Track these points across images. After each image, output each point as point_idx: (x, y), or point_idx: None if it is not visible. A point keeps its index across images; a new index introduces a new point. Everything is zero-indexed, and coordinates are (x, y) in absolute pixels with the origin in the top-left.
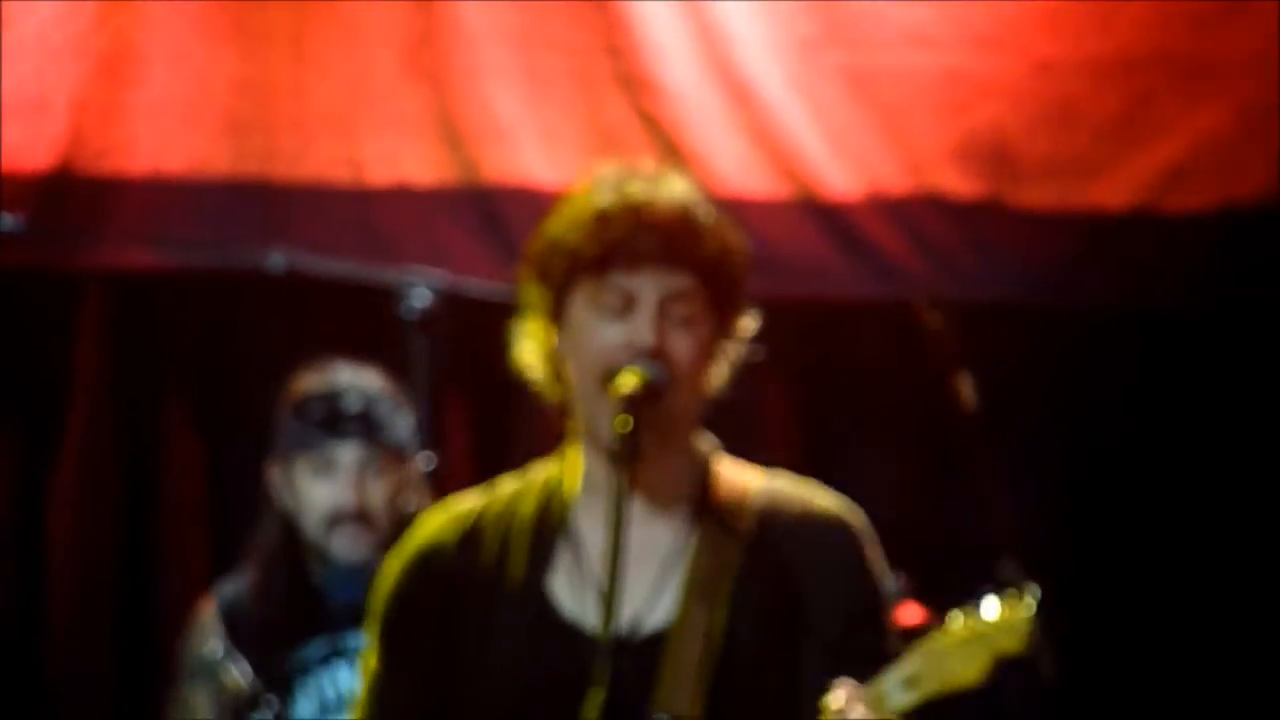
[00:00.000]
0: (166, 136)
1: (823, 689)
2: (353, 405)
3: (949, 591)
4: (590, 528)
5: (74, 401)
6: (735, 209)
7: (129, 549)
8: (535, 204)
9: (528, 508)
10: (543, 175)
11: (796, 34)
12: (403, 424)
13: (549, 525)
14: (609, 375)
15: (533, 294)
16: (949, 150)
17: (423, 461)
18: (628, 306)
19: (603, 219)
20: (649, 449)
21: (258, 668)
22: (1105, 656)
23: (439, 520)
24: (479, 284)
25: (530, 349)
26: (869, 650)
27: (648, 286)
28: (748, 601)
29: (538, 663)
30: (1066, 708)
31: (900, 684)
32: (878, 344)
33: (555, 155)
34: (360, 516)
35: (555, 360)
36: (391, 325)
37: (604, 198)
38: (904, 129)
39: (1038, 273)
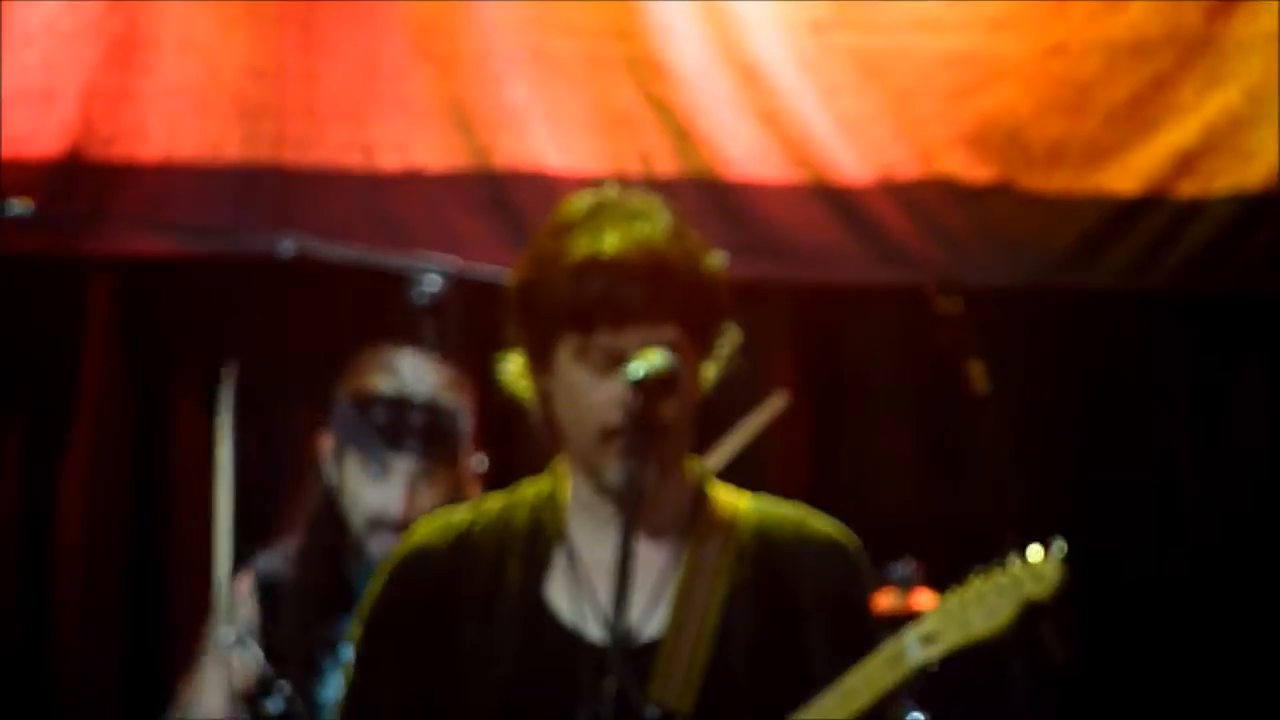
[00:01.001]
0: (177, 122)
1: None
2: (417, 419)
3: (960, 577)
4: (584, 539)
5: (83, 387)
6: (746, 193)
7: (139, 535)
8: (546, 189)
9: (520, 518)
10: (553, 160)
11: (807, 17)
12: (462, 425)
13: (544, 535)
14: (605, 432)
15: (517, 334)
16: (960, 134)
17: (477, 463)
18: (616, 363)
19: (581, 275)
20: (650, 485)
21: (293, 640)
22: (1116, 640)
23: (429, 528)
24: (490, 269)
25: (516, 374)
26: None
27: (634, 343)
28: (741, 607)
29: (537, 668)
30: (1075, 690)
31: (919, 640)
32: (888, 329)
33: (566, 140)
34: (405, 525)
35: (543, 397)
36: (402, 311)
37: (580, 247)
38: (915, 113)
39: (1049, 257)
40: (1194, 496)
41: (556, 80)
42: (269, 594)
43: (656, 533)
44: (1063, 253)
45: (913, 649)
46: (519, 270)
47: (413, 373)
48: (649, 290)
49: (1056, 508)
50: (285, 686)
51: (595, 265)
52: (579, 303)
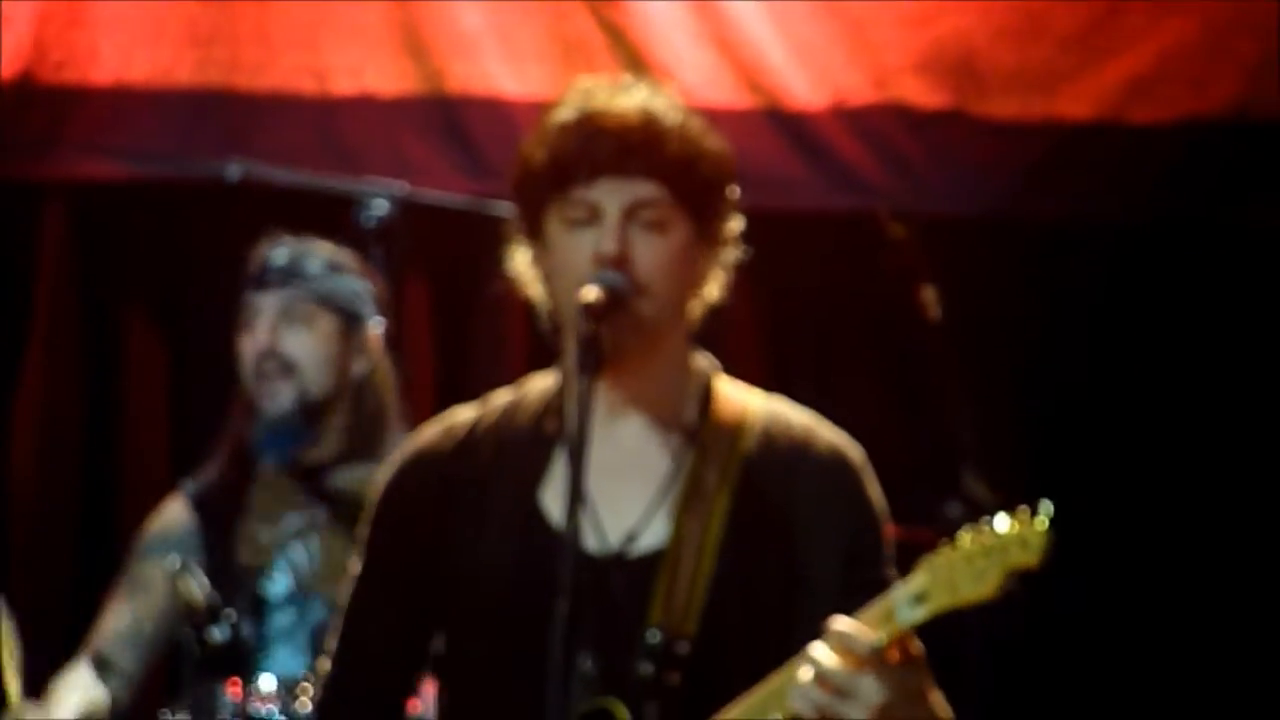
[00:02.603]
0: (129, 47)
1: (817, 619)
2: (279, 258)
3: (914, 505)
4: (571, 432)
5: (36, 308)
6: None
7: (91, 453)
8: (499, 115)
9: (523, 418)
10: (506, 86)
11: None
12: (344, 284)
13: (546, 437)
14: (580, 288)
15: (516, 214)
16: (913, 60)
17: (375, 326)
18: (593, 218)
19: (559, 133)
20: (626, 357)
21: (230, 548)
22: (1069, 573)
23: (434, 431)
24: (441, 194)
25: (523, 268)
26: (865, 585)
27: (609, 196)
28: (743, 522)
29: (525, 572)
30: (1035, 622)
31: (909, 599)
32: (841, 255)
33: (519, 66)
34: (281, 366)
35: (543, 278)
36: (350, 234)
37: (563, 113)
38: (869, 39)
39: (1001, 183)
40: (1147, 422)
41: (510, 6)
42: (202, 507)
43: (659, 428)
44: (1016, 179)
45: (902, 608)
46: (518, 147)
47: (290, 240)
48: (624, 145)
49: (1008, 435)
50: (231, 614)
51: (574, 123)
52: (556, 159)
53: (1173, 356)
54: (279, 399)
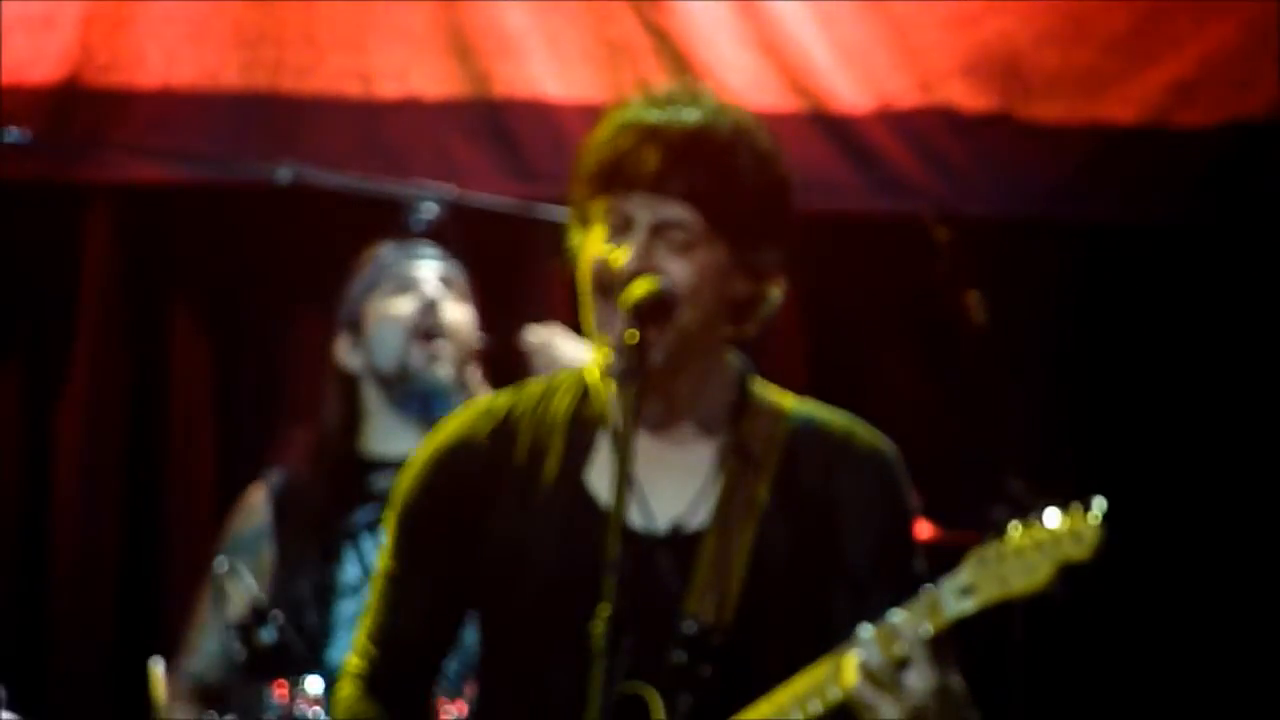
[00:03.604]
0: (175, 49)
1: (851, 614)
2: (430, 245)
3: (958, 508)
4: (618, 430)
5: (82, 312)
6: None
7: (136, 457)
8: (544, 117)
9: (562, 404)
10: (552, 89)
11: None
12: (467, 284)
13: (588, 419)
14: (598, 288)
15: (574, 205)
16: (959, 64)
17: (478, 340)
18: (626, 227)
19: (611, 138)
20: (661, 362)
21: (308, 532)
22: (1114, 575)
23: (467, 415)
24: (487, 197)
25: (572, 260)
26: (900, 579)
27: (640, 211)
28: (777, 519)
29: (578, 552)
30: (1076, 626)
31: (956, 591)
32: (886, 258)
33: (564, 69)
34: (444, 329)
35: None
36: (399, 238)
37: (623, 116)
38: (914, 42)
39: (1046, 187)
40: (1194, 425)
41: (556, 8)
42: (281, 500)
43: (696, 427)
44: (1061, 182)
45: (949, 600)
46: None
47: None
48: (664, 162)
49: (1053, 438)
50: (279, 616)
51: (627, 130)
52: (601, 164)
53: (1220, 359)
54: (443, 363)
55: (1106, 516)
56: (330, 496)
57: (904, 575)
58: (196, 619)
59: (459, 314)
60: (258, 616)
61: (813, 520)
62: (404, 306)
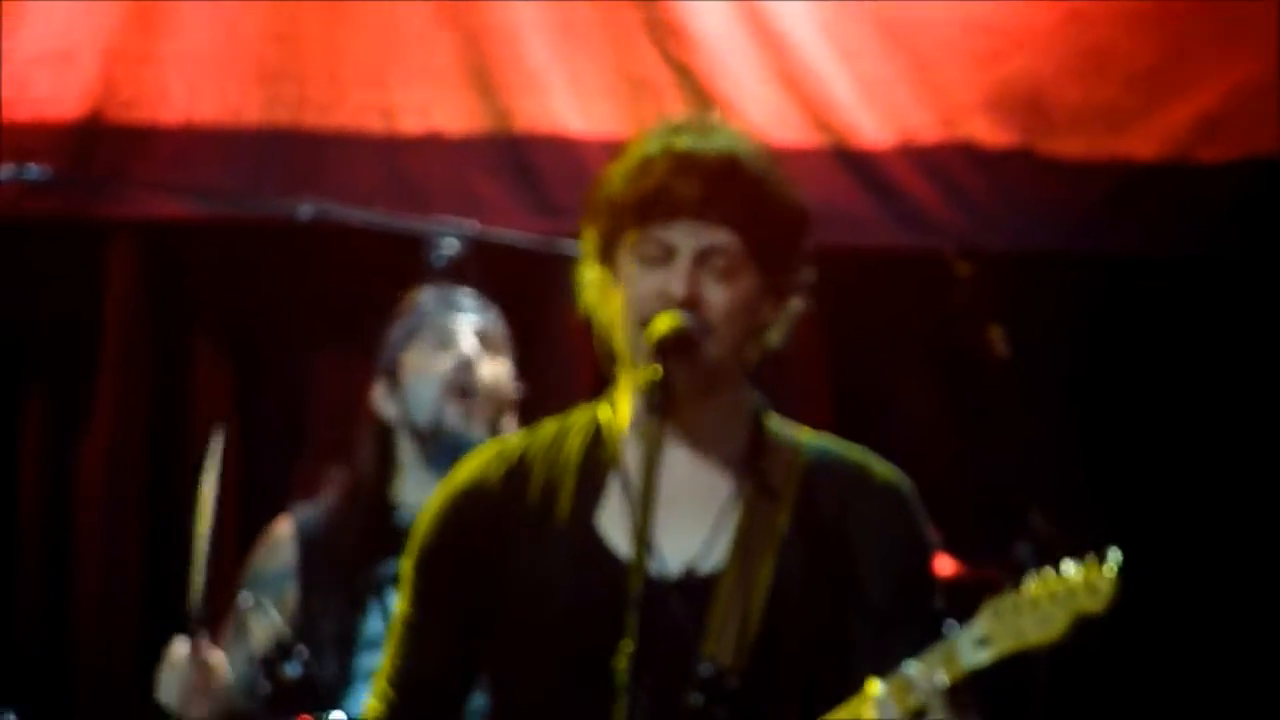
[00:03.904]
0: (198, 86)
1: (870, 651)
2: (468, 291)
3: (980, 543)
4: (639, 466)
5: (105, 348)
6: None
7: (158, 491)
8: (566, 153)
9: (574, 445)
10: (574, 124)
11: None
12: (505, 331)
13: (599, 462)
14: (643, 322)
15: (587, 241)
16: (981, 99)
17: (516, 390)
18: (666, 257)
19: (644, 169)
20: (685, 396)
21: (335, 579)
22: (1137, 608)
23: (481, 459)
24: (509, 233)
25: (587, 294)
26: (919, 615)
27: (684, 238)
28: (795, 555)
29: (588, 597)
30: (1097, 659)
31: (973, 642)
32: (908, 293)
33: (586, 104)
34: (478, 389)
35: (605, 306)
36: (421, 275)
37: (650, 147)
38: (936, 77)
39: (1069, 222)
40: (1216, 460)
41: (577, 43)
42: (310, 540)
43: (714, 462)
44: (1083, 217)
45: (965, 651)
46: (599, 176)
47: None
48: (706, 190)
49: (1076, 473)
50: (304, 651)
51: (660, 160)
52: (638, 194)
53: (1242, 392)
54: (478, 421)
55: (1126, 559)
56: (361, 544)
57: (922, 612)
58: (222, 645)
59: (495, 370)
60: (283, 651)
61: (830, 556)
62: (441, 363)
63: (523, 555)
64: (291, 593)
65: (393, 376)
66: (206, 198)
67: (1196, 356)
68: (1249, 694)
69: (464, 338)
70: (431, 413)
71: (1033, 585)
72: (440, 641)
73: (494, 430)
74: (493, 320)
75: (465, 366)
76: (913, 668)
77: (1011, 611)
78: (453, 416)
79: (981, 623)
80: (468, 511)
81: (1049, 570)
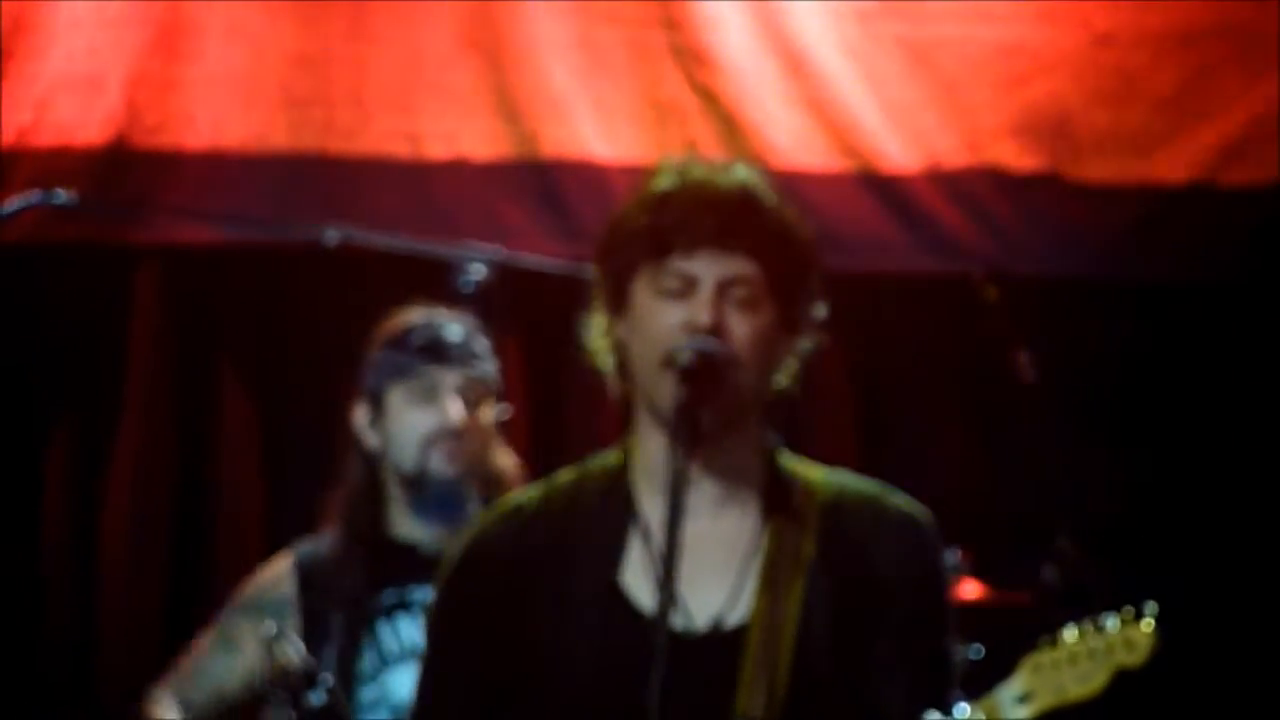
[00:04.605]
0: (223, 111)
1: (894, 687)
2: (454, 334)
3: (1007, 567)
4: (659, 517)
5: (131, 373)
6: (792, 182)
7: (184, 518)
8: (592, 178)
9: (591, 499)
10: (600, 150)
11: (854, 7)
12: (493, 364)
13: (617, 516)
14: (668, 357)
15: (598, 280)
16: (1007, 124)
17: (499, 412)
18: (687, 289)
19: (662, 202)
20: (710, 429)
21: (330, 623)
22: (1166, 630)
23: (499, 514)
24: (535, 258)
25: (596, 336)
26: (933, 653)
27: (706, 269)
28: (820, 600)
29: (614, 657)
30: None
31: (1014, 699)
32: (935, 318)
33: (612, 129)
34: (461, 433)
35: (619, 347)
36: (448, 300)
37: (665, 181)
38: (962, 102)
39: (1095, 246)
40: (1243, 483)
41: (603, 69)
42: (307, 573)
43: (736, 504)
44: (1110, 242)
45: (1007, 707)
46: (609, 215)
47: (441, 311)
48: (726, 219)
49: (1103, 497)
50: (328, 679)
51: (677, 193)
52: (656, 228)
53: (1270, 417)
54: (455, 463)
55: (1154, 584)
56: (357, 577)
57: (932, 652)
58: (199, 649)
59: (481, 420)
60: (307, 680)
61: (854, 597)
62: (423, 418)
63: (543, 619)
64: (294, 624)
65: (377, 406)
66: (232, 223)
67: (1224, 381)
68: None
69: (448, 399)
70: (415, 460)
71: (1071, 640)
72: (460, 696)
73: (484, 464)
74: (479, 367)
75: (448, 430)
76: None
77: (1050, 667)
78: (438, 463)
79: (1022, 678)
80: (484, 572)
81: (1087, 624)
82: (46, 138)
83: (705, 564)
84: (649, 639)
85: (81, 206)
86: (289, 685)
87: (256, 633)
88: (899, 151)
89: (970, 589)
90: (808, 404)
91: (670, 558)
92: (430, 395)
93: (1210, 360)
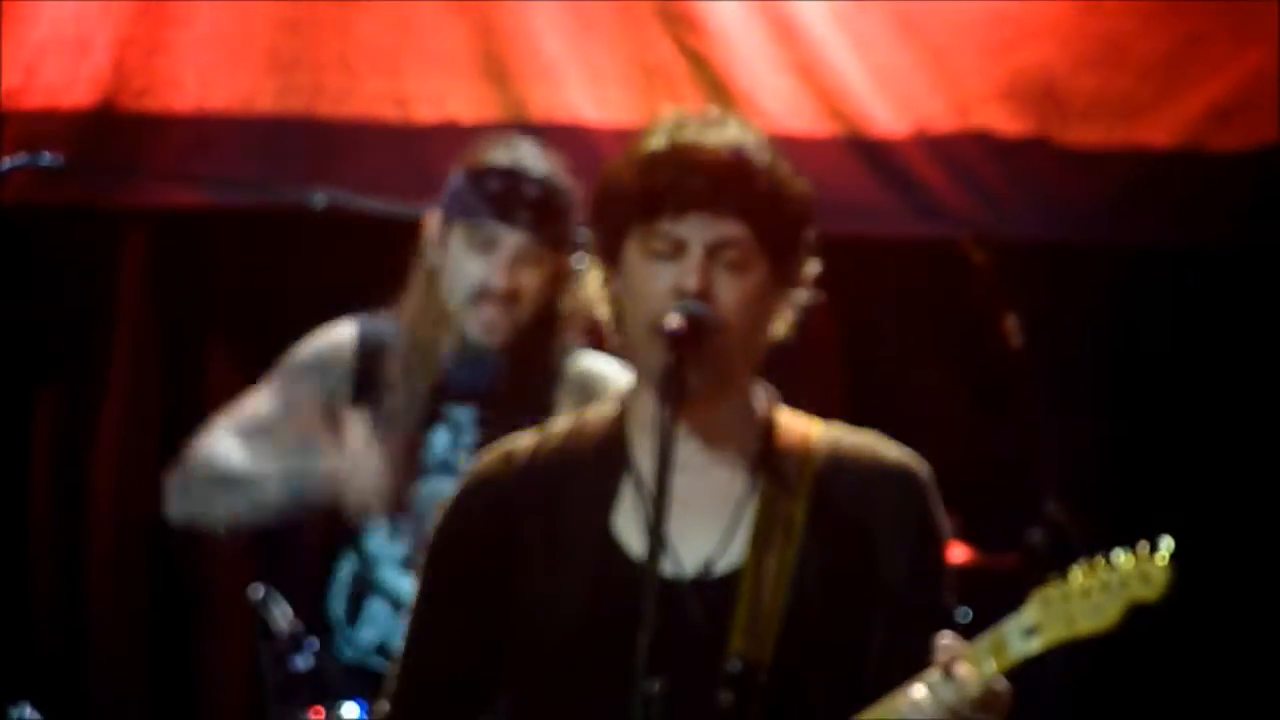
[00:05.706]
0: (210, 74)
1: (888, 638)
2: (530, 191)
3: (995, 531)
4: (652, 467)
5: (117, 336)
6: (781, 146)
7: None
8: (581, 141)
9: (586, 446)
10: (588, 113)
11: None
12: (572, 218)
13: (612, 464)
14: (654, 317)
15: (592, 238)
16: (996, 88)
17: (578, 261)
18: (676, 251)
19: (651, 164)
20: (700, 390)
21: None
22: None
23: (494, 459)
24: None
25: (594, 292)
26: (930, 604)
27: (695, 232)
28: (814, 548)
29: (605, 601)
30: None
31: (1021, 632)
32: (923, 282)
33: (601, 93)
34: (507, 298)
35: (613, 304)
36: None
37: (655, 142)
38: (951, 66)
39: (1084, 210)
40: (1231, 448)
41: (592, 33)
42: (368, 350)
43: (727, 460)
44: (1098, 206)
45: (1015, 640)
46: (601, 173)
47: (530, 151)
48: (715, 182)
49: (1091, 460)
50: (314, 643)
51: (666, 154)
52: (646, 189)
53: (1258, 381)
54: (495, 332)
55: (1141, 548)
56: (415, 399)
57: (933, 602)
58: (260, 403)
59: (531, 281)
60: (294, 643)
61: (849, 547)
62: (477, 269)
63: (536, 562)
64: (342, 398)
65: (448, 229)
66: (219, 186)
67: (1212, 344)
68: (1263, 690)
69: (504, 260)
70: (457, 308)
71: (1080, 575)
72: (452, 639)
73: (523, 338)
74: (548, 230)
75: (494, 295)
76: (961, 664)
77: (1061, 600)
78: (475, 323)
79: (1030, 611)
80: (478, 514)
81: (1099, 559)
82: (33, 100)
83: (695, 514)
84: (639, 583)
85: (68, 169)
86: (275, 649)
87: (314, 394)
88: (887, 116)
89: (958, 552)
90: (795, 369)
91: (660, 505)
92: (488, 248)
93: (1199, 324)
